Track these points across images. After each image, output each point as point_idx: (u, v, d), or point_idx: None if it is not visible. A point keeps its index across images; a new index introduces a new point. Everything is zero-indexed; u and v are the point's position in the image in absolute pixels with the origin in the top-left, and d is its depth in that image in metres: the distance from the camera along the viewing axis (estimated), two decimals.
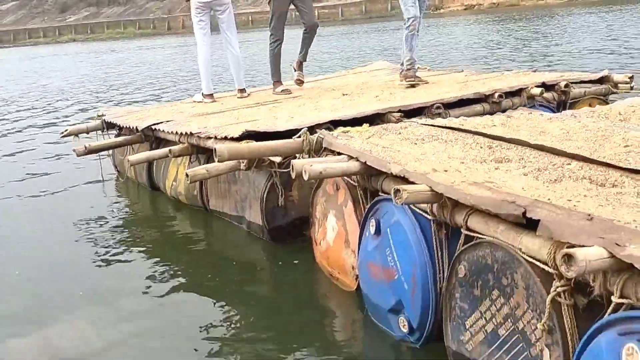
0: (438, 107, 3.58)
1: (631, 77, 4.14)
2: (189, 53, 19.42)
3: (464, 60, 11.03)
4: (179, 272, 3.38)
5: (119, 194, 5.11)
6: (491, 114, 3.80)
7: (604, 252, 1.47)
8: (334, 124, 3.31)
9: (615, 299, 1.49)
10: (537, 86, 4.01)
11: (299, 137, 3.09)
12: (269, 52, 5.25)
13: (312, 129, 3.15)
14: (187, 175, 3.20)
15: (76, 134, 5.21)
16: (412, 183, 2.22)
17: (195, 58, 6.42)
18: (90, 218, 4.37)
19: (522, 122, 3.26)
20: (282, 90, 5.15)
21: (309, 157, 3.08)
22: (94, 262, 3.60)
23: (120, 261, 3.58)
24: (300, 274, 3.20)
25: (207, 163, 3.84)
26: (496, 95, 3.82)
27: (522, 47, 13.59)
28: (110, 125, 5.07)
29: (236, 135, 3.16)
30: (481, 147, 2.68)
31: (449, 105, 3.70)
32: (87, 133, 5.29)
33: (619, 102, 3.67)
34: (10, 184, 5.52)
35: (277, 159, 3.04)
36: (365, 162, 2.55)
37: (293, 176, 2.62)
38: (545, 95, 3.99)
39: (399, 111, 3.45)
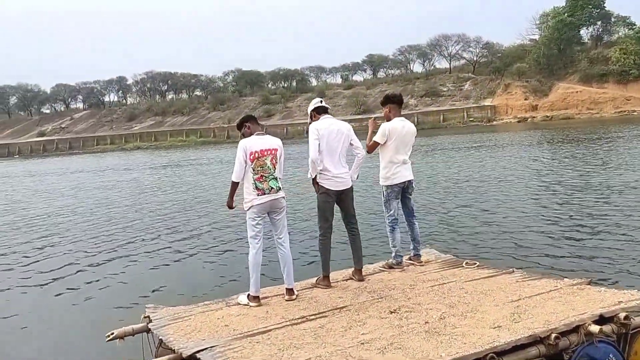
0: (492, 358, 3.39)
1: None
2: None
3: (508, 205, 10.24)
4: None
5: None
6: (548, 357, 3.62)
7: None
8: None
9: None
10: (595, 321, 3.80)
11: None
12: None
13: None
14: None
15: (122, 337, 5.21)
16: None
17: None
18: None
19: None
20: None
21: None
22: None
23: None
24: None
25: None
26: (552, 336, 3.62)
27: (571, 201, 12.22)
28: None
29: None
30: None
31: (503, 352, 3.51)
32: (133, 335, 5.30)
33: None
34: None
35: None
36: None
37: None
38: (604, 329, 3.77)
39: None
